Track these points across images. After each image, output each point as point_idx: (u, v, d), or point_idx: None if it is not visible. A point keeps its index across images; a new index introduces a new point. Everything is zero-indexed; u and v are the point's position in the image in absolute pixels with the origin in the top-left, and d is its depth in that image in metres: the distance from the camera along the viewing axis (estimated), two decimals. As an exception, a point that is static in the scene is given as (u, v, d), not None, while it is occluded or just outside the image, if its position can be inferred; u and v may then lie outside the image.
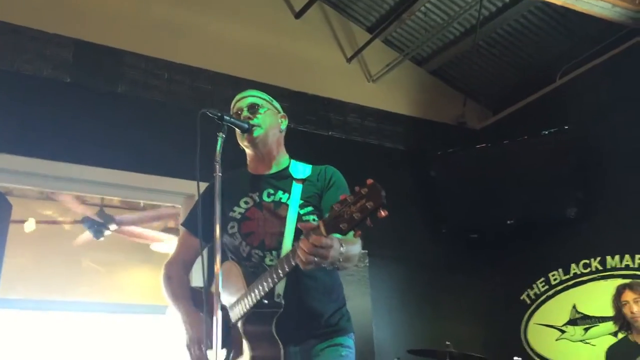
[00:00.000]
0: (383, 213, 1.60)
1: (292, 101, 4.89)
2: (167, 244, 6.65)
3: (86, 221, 5.99)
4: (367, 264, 4.72)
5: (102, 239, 6.06)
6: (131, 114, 4.27)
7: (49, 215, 6.54)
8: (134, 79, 4.37)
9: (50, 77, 4.08)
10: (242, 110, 2.27)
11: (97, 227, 5.96)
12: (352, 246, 1.90)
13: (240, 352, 1.98)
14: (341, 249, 1.77)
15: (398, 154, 5.32)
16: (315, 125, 4.99)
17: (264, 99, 2.34)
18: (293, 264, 1.81)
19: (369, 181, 1.62)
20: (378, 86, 5.39)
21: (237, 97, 2.36)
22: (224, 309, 2.06)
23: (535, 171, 4.82)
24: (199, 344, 2.05)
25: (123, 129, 4.20)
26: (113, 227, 6.06)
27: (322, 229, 1.68)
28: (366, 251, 4.71)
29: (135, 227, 6.39)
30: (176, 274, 2.33)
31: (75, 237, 6.31)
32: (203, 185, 2.06)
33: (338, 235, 1.73)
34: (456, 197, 5.11)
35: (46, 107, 4.02)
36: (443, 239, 5.06)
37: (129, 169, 4.14)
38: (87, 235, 6.07)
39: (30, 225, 6.13)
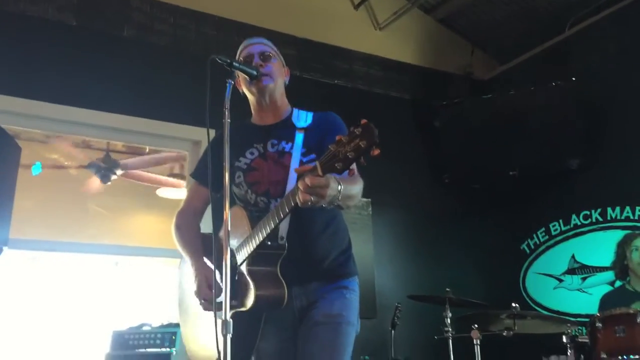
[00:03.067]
0: (376, 151, 1.64)
1: (298, 48, 4.86)
2: (173, 190, 6.73)
3: (92, 166, 6.04)
4: (370, 212, 4.78)
5: (109, 183, 6.13)
6: (137, 59, 4.27)
7: (55, 159, 6.59)
8: (140, 22, 4.34)
9: (55, 19, 4.06)
10: (252, 56, 2.27)
11: (104, 171, 6.01)
12: (352, 185, 1.93)
13: (246, 293, 2.04)
14: (339, 187, 1.79)
15: (403, 103, 5.31)
16: (321, 73, 4.97)
17: (273, 49, 2.34)
18: (292, 204, 1.85)
19: (363, 121, 1.65)
20: (385, 34, 5.33)
21: (246, 42, 2.36)
22: (230, 251, 2.11)
23: (539, 122, 4.82)
24: (208, 286, 2.12)
25: (129, 73, 4.21)
26: (119, 171, 6.12)
27: (319, 169, 1.71)
28: (369, 199, 4.77)
29: (141, 172, 6.45)
30: (186, 222, 2.39)
31: (82, 181, 6.37)
32: (212, 132, 2.08)
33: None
34: (460, 147, 5.13)
35: (52, 50, 4.02)
36: (446, 189, 5.11)
37: (134, 114, 4.17)
38: (96, 180, 6.12)
39: (37, 168, 6.20)
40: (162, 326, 3.73)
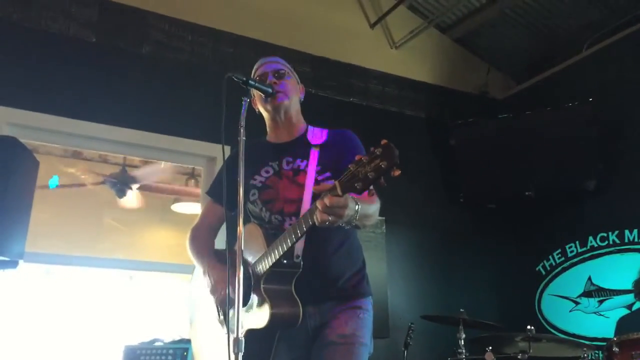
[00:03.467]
0: (397, 172, 1.63)
1: (314, 66, 4.89)
2: (188, 205, 6.76)
3: (108, 180, 6.09)
4: (384, 231, 4.76)
5: (124, 198, 6.18)
6: (155, 75, 4.31)
7: (72, 173, 6.65)
8: (158, 40, 4.39)
9: (76, 36, 4.12)
10: (266, 75, 2.29)
11: (120, 186, 6.06)
12: (369, 205, 1.93)
13: (261, 311, 2.03)
14: (357, 207, 1.80)
15: (419, 122, 5.31)
16: (336, 91, 4.98)
17: (287, 67, 2.36)
18: (310, 223, 1.85)
19: (384, 141, 1.65)
20: (401, 53, 5.35)
21: (260, 61, 2.38)
22: (245, 268, 2.11)
23: (556, 143, 4.79)
24: (222, 285, 2.11)
25: (146, 89, 4.25)
26: (135, 186, 6.17)
27: (338, 188, 1.71)
28: (384, 218, 4.75)
29: (157, 184, 6.50)
30: (201, 235, 2.42)
31: (98, 195, 6.43)
32: (227, 149, 2.09)
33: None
34: (475, 166, 5.11)
35: (71, 66, 4.07)
36: (461, 208, 5.08)
37: (151, 130, 4.20)
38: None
39: (54, 182, 6.26)
40: (174, 342, 3.72)
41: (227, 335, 1.92)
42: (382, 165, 1.61)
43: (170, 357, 3.52)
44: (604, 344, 4.32)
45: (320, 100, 4.77)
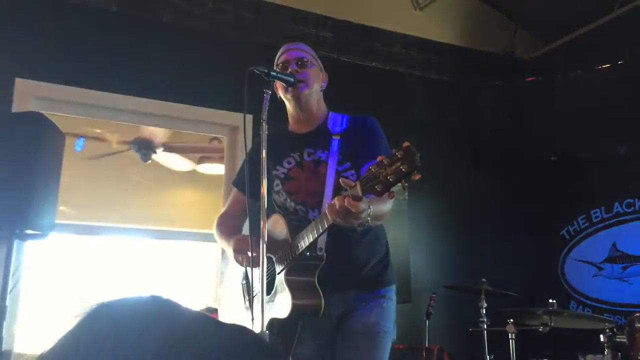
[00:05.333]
0: (417, 176, 1.63)
1: (336, 30, 4.81)
2: (213, 166, 6.82)
3: (134, 144, 6.15)
4: (407, 197, 4.76)
5: (149, 161, 6.25)
6: (176, 44, 4.30)
7: (99, 134, 6.72)
8: (179, 7, 4.35)
9: (96, 5, 4.10)
10: (289, 62, 2.28)
11: (145, 150, 6.12)
12: (381, 206, 1.94)
13: (283, 302, 2.08)
14: (369, 211, 1.81)
15: (443, 85, 5.22)
16: (359, 55, 4.91)
17: (311, 55, 2.34)
18: (331, 221, 1.87)
19: (405, 144, 1.65)
20: (425, 14, 5.21)
21: (284, 47, 2.36)
22: (269, 259, 2.15)
23: (584, 106, 4.70)
24: (245, 247, 2.14)
25: (168, 58, 4.25)
26: (159, 149, 6.22)
27: (359, 189, 1.72)
28: (406, 184, 4.73)
29: (182, 145, 6.54)
30: (227, 221, 2.46)
31: (124, 159, 6.52)
32: (249, 119, 2.10)
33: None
34: (500, 130, 5.05)
35: (92, 36, 4.08)
36: (485, 174, 5.04)
37: (173, 100, 4.21)
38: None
39: (80, 144, 6.35)
40: (202, 310, 3.83)
41: (251, 323, 1.98)
42: (403, 169, 1.61)
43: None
44: (626, 309, 4.40)
45: (342, 65, 4.71)
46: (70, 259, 5.24)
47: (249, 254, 1.98)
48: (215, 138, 6.37)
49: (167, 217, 7.01)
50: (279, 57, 2.34)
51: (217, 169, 6.73)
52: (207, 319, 0.64)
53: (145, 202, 7.12)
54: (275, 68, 2.33)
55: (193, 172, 6.96)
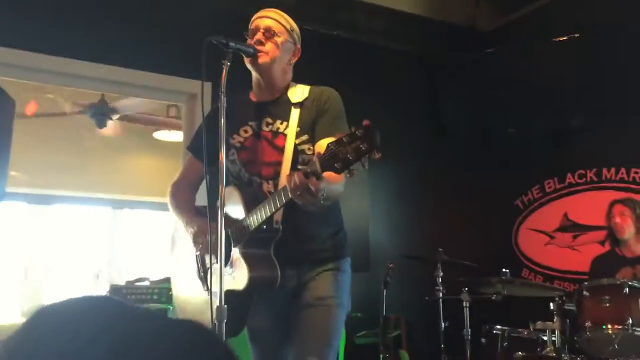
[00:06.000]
0: (377, 155, 1.64)
1: (298, -3, 4.73)
2: (170, 133, 6.71)
3: (88, 110, 5.99)
4: (367, 166, 4.77)
5: (105, 127, 6.11)
6: (134, 8, 4.16)
7: (52, 99, 6.52)
8: (136, -31, 4.21)
9: (49, -34, 3.94)
10: (257, 30, 2.21)
11: (100, 116, 5.97)
12: (335, 185, 1.93)
13: (240, 274, 2.08)
14: (323, 190, 1.80)
15: (404, 55, 5.21)
16: (320, 23, 4.84)
17: (283, 26, 2.25)
18: (289, 196, 1.86)
19: (365, 122, 1.64)
20: (387, -18, 5.17)
21: (259, 13, 2.28)
22: (225, 229, 2.13)
23: (540, 80, 4.76)
24: (204, 235, 2.14)
25: (125, 23, 4.12)
26: (115, 116, 6.08)
27: (317, 165, 1.71)
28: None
29: (138, 114, 6.41)
30: (181, 190, 2.41)
31: (78, 123, 6.34)
32: (207, 86, 2.06)
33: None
34: (459, 102, 5.10)
35: (46, 0, 3.92)
36: (444, 145, 5.10)
37: (130, 66, 4.11)
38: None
39: (31, 108, 6.14)
40: (160, 281, 3.80)
41: (209, 298, 1.97)
42: (363, 148, 1.61)
43: (155, 297, 3.61)
44: (576, 277, 4.56)
45: (304, 35, 4.64)
46: (22, 228, 5.12)
47: (208, 237, 1.97)
48: (173, 105, 6.27)
49: (124, 184, 6.89)
50: (252, 22, 2.27)
51: (174, 135, 6.63)
52: (159, 318, 0.63)
53: (101, 168, 6.97)
54: (247, 30, 2.27)
55: (150, 139, 6.85)
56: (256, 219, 2.02)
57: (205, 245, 2.16)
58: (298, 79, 2.46)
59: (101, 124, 6.03)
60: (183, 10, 4.26)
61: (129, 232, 5.78)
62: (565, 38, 4.64)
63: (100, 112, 5.89)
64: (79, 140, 6.87)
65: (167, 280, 3.79)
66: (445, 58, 5.15)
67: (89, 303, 0.62)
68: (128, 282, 3.76)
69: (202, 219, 2.23)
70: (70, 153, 6.76)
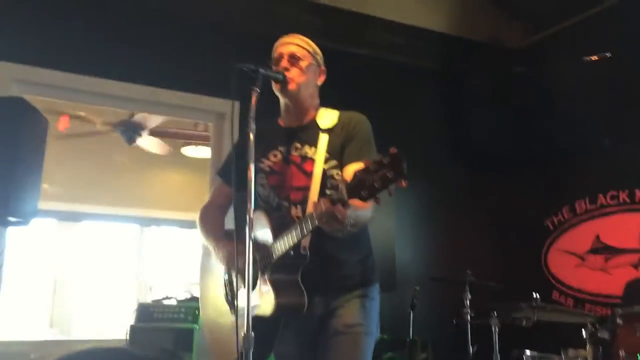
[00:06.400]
0: (404, 183, 1.62)
1: (324, 16, 4.74)
2: (198, 149, 6.77)
3: (118, 127, 6.09)
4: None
5: (134, 144, 6.20)
6: (162, 29, 4.21)
7: (83, 116, 6.64)
8: (165, -10, 4.26)
9: (80, -11, 4.01)
10: (282, 57, 2.24)
11: (130, 133, 6.06)
12: (362, 211, 1.92)
13: (267, 300, 2.07)
14: (351, 217, 1.81)
15: (429, 73, 5.19)
16: (345, 41, 4.84)
17: (307, 50, 2.29)
18: (317, 223, 1.86)
19: (392, 150, 1.63)
20: (414, 0, 5.15)
21: (281, 40, 2.32)
22: (253, 254, 2.13)
23: (571, 97, 4.69)
24: (232, 259, 2.15)
25: (154, 44, 4.17)
26: (145, 133, 6.16)
27: (344, 192, 1.71)
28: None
29: (167, 129, 6.50)
30: (211, 214, 2.44)
31: (108, 140, 6.45)
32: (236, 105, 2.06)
33: None
34: (487, 120, 5.04)
35: (78, 20, 4.01)
36: (471, 163, 5.05)
37: (159, 85, 4.16)
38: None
39: (64, 123, 6.24)
40: (186, 300, 3.82)
41: (235, 322, 1.96)
42: (389, 176, 1.59)
43: (182, 316, 3.63)
44: (607, 300, 4.46)
45: (328, 52, 4.65)
46: (52, 245, 5.19)
47: (235, 261, 1.97)
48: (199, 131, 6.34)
49: (152, 199, 6.97)
50: (275, 50, 2.30)
51: (202, 151, 6.69)
52: None
53: (129, 183, 7.06)
54: (271, 59, 2.29)
55: (177, 154, 6.92)
56: (283, 245, 2.02)
57: (234, 269, 2.17)
58: (323, 97, 2.46)
59: (131, 141, 6.13)
60: (211, 31, 4.30)
61: (156, 249, 5.81)
62: (596, 57, 4.57)
63: (130, 129, 5.99)
64: (108, 155, 6.98)
65: (194, 299, 3.81)
66: (471, 76, 5.10)
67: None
68: (155, 301, 3.78)
69: (229, 243, 2.24)
70: (98, 168, 6.87)
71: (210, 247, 2.38)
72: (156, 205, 6.50)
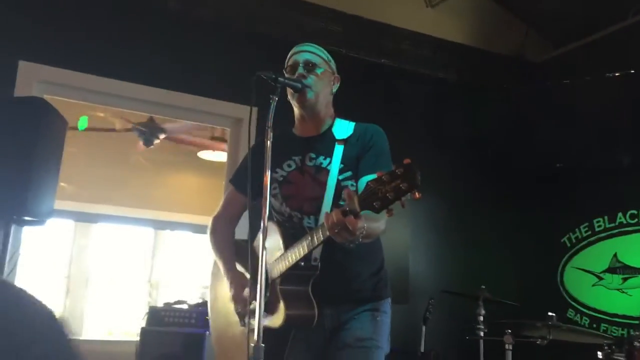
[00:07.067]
0: (417, 195, 1.59)
1: (346, 25, 4.74)
2: (215, 153, 6.78)
3: (137, 129, 6.12)
4: (409, 197, 4.70)
5: (151, 147, 6.23)
6: (181, 32, 4.23)
7: (102, 117, 6.68)
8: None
9: (100, -9, 4.04)
10: (297, 65, 2.22)
11: (147, 135, 6.09)
12: (375, 223, 1.89)
13: (275, 310, 2.05)
14: (363, 228, 1.77)
15: (450, 85, 5.16)
16: (367, 51, 4.84)
17: (321, 57, 2.27)
18: (328, 233, 1.83)
19: (406, 161, 1.61)
20: (436, 12, 5.13)
21: (295, 49, 2.31)
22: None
23: (592, 114, 4.65)
24: (242, 303, 2.13)
25: (173, 47, 4.19)
26: (162, 135, 6.20)
27: (357, 204, 1.68)
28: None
29: (184, 136, 6.52)
30: (221, 227, 2.42)
31: (126, 142, 6.48)
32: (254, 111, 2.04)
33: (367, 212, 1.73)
34: (507, 134, 5.00)
35: (95, 21, 4.04)
36: (489, 177, 5.00)
37: (177, 89, 4.17)
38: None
39: (83, 123, 6.29)
40: (197, 305, 3.80)
41: (247, 336, 1.94)
42: (402, 187, 1.57)
43: (193, 321, 3.61)
44: (624, 320, 4.38)
45: (350, 61, 4.65)
46: (67, 245, 5.22)
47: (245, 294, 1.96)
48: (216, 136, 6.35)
49: (167, 201, 6.98)
50: (289, 58, 2.29)
51: (218, 156, 6.70)
52: None
53: (145, 182, 7.09)
54: (285, 67, 2.29)
55: (194, 157, 6.93)
56: (294, 255, 1.99)
57: (242, 301, 2.15)
58: (343, 106, 2.45)
59: (148, 143, 6.16)
60: (231, 36, 4.31)
61: (169, 253, 5.82)
62: (618, 74, 4.52)
63: (149, 132, 6.02)
64: (125, 156, 7.01)
65: (205, 304, 3.79)
66: (491, 89, 5.06)
67: None
68: (166, 304, 3.77)
69: (239, 271, 2.22)
70: (115, 168, 6.90)
71: (219, 265, 2.37)
72: (171, 207, 6.52)
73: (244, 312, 2.15)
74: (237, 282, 2.20)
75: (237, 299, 2.18)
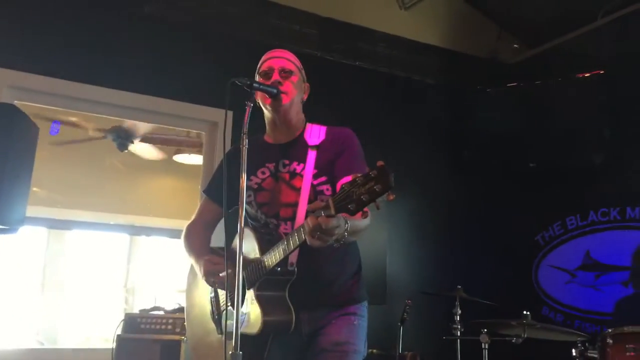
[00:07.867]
0: (391, 197, 1.61)
1: (320, 28, 4.74)
2: (190, 156, 6.74)
3: (110, 133, 6.04)
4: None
5: (125, 151, 6.16)
6: (156, 37, 4.20)
7: (75, 122, 6.59)
8: (160, -1, 4.25)
9: (73, -6, 3.99)
10: (272, 70, 2.22)
11: (121, 139, 6.02)
12: (359, 222, 1.89)
13: (254, 318, 2.04)
14: (346, 225, 1.77)
15: (425, 86, 5.20)
16: (342, 54, 4.85)
17: (295, 65, 2.28)
18: (303, 237, 1.84)
19: (379, 163, 1.62)
20: (410, 14, 5.17)
21: (269, 54, 2.30)
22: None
23: (564, 114, 4.72)
24: (216, 273, 2.12)
25: (147, 51, 4.16)
26: (136, 140, 6.13)
27: (332, 208, 1.69)
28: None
29: (158, 135, 6.46)
30: (197, 230, 2.41)
31: (101, 146, 6.40)
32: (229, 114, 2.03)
33: None
34: (481, 135, 5.05)
35: (71, 27, 3.98)
36: (463, 178, 5.05)
37: (152, 94, 4.13)
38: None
39: (55, 128, 6.20)
40: (174, 310, 3.78)
41: (223, 342, 1.94)
42: (377, 189, 1.58)
43: (170, 327, 3.58)
44: (598, 317, 4.46)
45: (325, 64, 4.66)
46: (41, 253, 5.14)
47: (222, 274, 1.95)
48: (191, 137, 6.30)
49: (143, 206, 6.91)
50: (263, 63, 2.28)
51: (193, 159, 6.66)
52: None
53: (120, 188, 7.00)
54: (257, 71, 2.29)
55: (169, 161, 6.87)
56: (270, 260, 1.99)
57: (219, 281, 2.14)
58: (318, 108, 2.46)
59: (123, 148, 6.09)
60: (205, 39, 4.29)
61: (145, 259, 5.76)
62: (588, 74, 4.60)
63: (122, 136, 5.95)
64: (99, 161, 6.92)
65: (181, 309, 3.77)
66: (466, 90, 5.12)
67: None
68: (143, 311, 3.73)
69: (211, 259, 2.21)
70: (89, 174, 6.81)
71: (193, 264, 2.36)
72: (147, 212, 6.46)
73: (219, 282, 2.12)
74: (209, 259, 2.18)
75: (210, 272, 2.16)
